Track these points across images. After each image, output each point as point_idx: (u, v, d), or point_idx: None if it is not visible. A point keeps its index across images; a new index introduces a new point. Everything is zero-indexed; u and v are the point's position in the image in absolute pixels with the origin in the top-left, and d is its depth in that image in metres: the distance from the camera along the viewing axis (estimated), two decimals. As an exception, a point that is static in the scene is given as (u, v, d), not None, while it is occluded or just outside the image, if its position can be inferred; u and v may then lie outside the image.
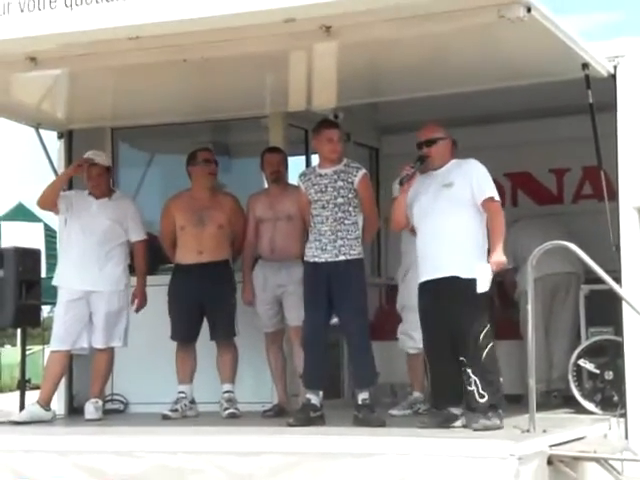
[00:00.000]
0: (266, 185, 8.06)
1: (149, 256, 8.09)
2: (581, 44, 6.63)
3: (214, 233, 7.89)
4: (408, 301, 7.25)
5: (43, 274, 9.72)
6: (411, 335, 7.36)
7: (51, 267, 9.90)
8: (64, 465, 6.21)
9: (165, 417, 7.64)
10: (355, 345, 6.92)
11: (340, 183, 6.96)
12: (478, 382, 6.27)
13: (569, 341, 8.23)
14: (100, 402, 7.87)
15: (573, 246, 6.29)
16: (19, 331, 11.75)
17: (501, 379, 6.39)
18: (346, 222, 6.93)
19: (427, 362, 6.65)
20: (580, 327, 7.89)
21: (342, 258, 6.87)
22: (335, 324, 6.97)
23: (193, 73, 6.98)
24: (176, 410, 7.75)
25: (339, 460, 5.71)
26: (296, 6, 5.81)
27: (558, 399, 8.13)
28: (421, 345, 6.76)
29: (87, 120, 8.54)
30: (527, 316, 6.27)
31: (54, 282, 8.01)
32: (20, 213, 15.03)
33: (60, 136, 8.82)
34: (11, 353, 24.37)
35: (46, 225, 13.93)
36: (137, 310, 8.00)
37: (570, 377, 7.58)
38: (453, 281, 6.38)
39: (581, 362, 7.56)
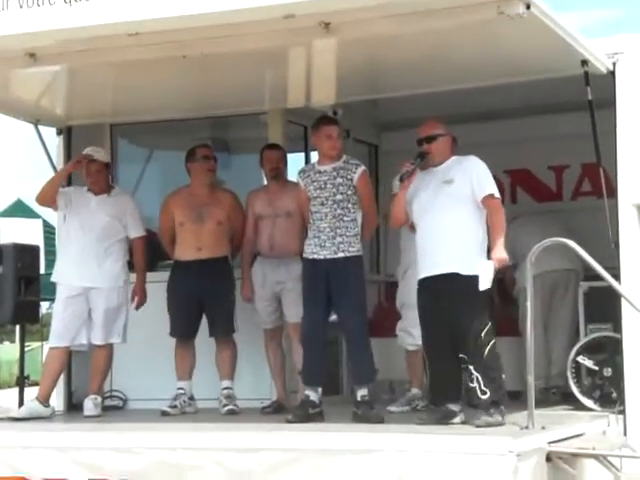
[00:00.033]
0: (265, 182, 8.06)
1: (148, 252, 8.09)
2: (580, 41, 6.63)
3: (213, 229, 7.89)
4: (407, 298, 7.25)
5: (42, 270, 9.71)
6: (410, 332, 7.37)
7: (50, 263, 9.89)
8: (63, 461, 6.21)
9: (164, 413, 7.64)
10: (354, 342, 6.92)
11: (339, 180, 6.96)
12: (480, 379, 6.27)
13: (568, 338, 8.23)
14: (99, 398, 7.87)
15: (572, 243, 6.30)
16: (18, 327, 11.76)
17: (503, 376, 6.40)
18: (345, 219, 6.93)
19: (426, 359, 6.65)
20: (579, 324, 7.89)
21: (341, 255, 6.87)
22: (334, 321, 6.98)
23: (192, 69, 6.98)
24: (175, 406, 7.75)
25: (338, 456, 5.72)
26: (295, 2, 5.82)
27: (557, 396, 8.13)
28: (420, 342, 6.76)
29: (86, 116, 8.53)
30: (526, 313, 6.27)
31: (53, 278, 8.00)
32: (19, 209, 15.04)
33: (59, 132, 8.82)
34: (10, 349, 24.39)
35: (45, 221, 13.93)
36: (137, 307, 8.00)
37: (569, 374, 7.58)
38: (453, 278, 6.38)
39: (580, 359, 7.57)
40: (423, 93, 7.63)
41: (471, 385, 6.30)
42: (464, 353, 6.37)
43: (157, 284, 7.97)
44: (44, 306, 11.11)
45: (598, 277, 6.30)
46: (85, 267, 7.80)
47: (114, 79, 7.41)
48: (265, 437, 6.12)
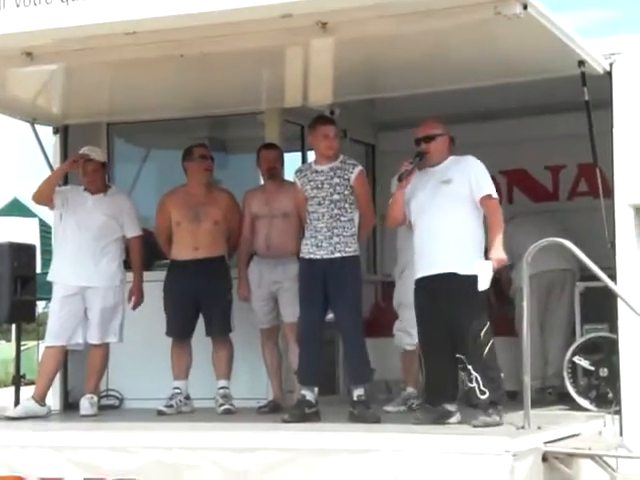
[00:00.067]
0: (262, 181, 8.06)
1: (144, 252, 8.09)
2: (577, 41, 6.63)
3: (210, 229, 7.88)
4: (405, 298, 7.24)
5: (38, 270, 9.70)
6: (409, 332, 7.34)
7: (46, 263, 9.87)
8: (59, 460, 6.22)
9: (160, 413, 7.64)
10: (350, 342, 6.92)
11: (336, 180, 6.96)
12: (479, 379, 6.28)
13: (564, 338, 8.23)
14: (95, 398, 7.87)
15: (568, 243, 6.30)
16: (14, 327, 11.72)
17: (502, 375, 6.40)
18: (342, 219, 6.93)
19: (422, 358, 6.65)
20: (575, 324, 7.91)
21: (338, 255, 6.87)
22: (331, 320, 6.98)
23: (189, 68, 6.97)
24: (171, 406, 7.74)
25: (334, 456, 5.72)
26: (292, 2, 5.82)
27: (553, 396, 8.13)
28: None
29: (83, 115, 8.53)
30: (522, 313, 6.27)
31: (49, 278, 8.00)
32: (15, 208, 15.02)
33: (56, 131, 8.81)
34: (6, 349, 24.33)
35: (41, 220, 13.90)
36: (134, 307, 8.00)
37: (565, 374, 7.59)
38: (451, 278, 6.38)
39: (576, 359, 7.57)
40: (420, 93, 7.64)
41: (470, 385, 6.31)
42: (462, 353, 6.37)
43: (154, 283, 7.97)
44: (40, 305, 11.06)
45: (594, 277, 6.30)
46: (81, 266, 7.80)
47: (111, 78, 7.41)
48: (261, 437, 6.12)
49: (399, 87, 7.71)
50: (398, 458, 5.58)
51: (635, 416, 6.90)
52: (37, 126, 8.65)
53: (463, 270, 6.35)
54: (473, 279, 6.29)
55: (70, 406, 8.40)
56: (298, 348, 7.07)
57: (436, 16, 5.84)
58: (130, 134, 9.42)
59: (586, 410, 7.33)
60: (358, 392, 6.77)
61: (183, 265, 7.87)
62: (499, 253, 6.37)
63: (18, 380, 9.38)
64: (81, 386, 8.06)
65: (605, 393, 7.33)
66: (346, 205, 6.95)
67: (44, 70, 6.97)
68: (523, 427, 6.03)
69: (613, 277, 6.69)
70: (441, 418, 6.41)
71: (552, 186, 9.55)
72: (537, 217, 8.75)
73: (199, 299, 7.82)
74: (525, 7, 5.75)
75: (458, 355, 6.40)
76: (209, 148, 8.15)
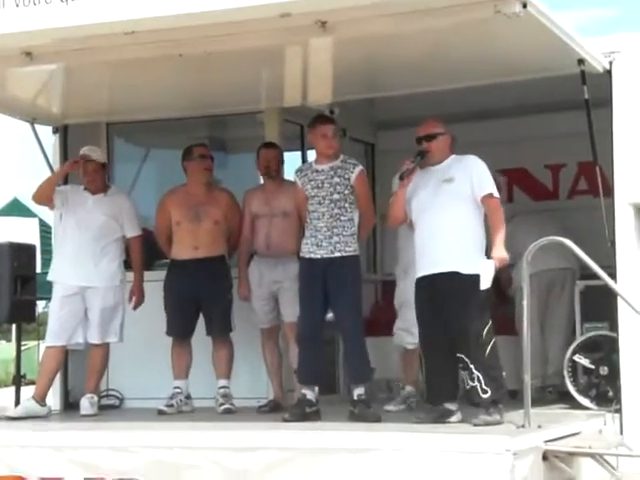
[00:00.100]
0: (262, 181, 8.06)
1: (144, 252, 8.09)
2: (577, 40, 6.63)
3: (210, 229, 7.88)
4: (407, 297, 7.22)
5: (38, 269, 9.71)
6: (411, 331, 7.31)
7: (46, 262, 9.88)
8: (60, 460, 6.21)
9: (161, 412, 7.64)
10: (350, 341, 6.92)
11: (336, 179, 6.95)
12: (481, 378, 6.27)
13: (564, 337, 8.23)
14: (95, 397, 7.87)
15: (568, 242, 6.30)
16: (14, 327, 11.72)
17: (504, 374, 6.40)
18: (342, 218, 6.92)
19: (422, 357, 6.65)
20: (575, 323, 7.90)
21: (338, 254, 6.87)
22: (331, 319, 6.97)
23: (189, 68, 6.97)
24: (172, 405, 7.74)
25: (335, 455, 5.72)
26: (291, 1, 5.82)
27: (553, 395, 8.13)
28: (418, 340, 6.77)
29: (82, 115, 8.53)
30: (522, 312, 6.27)
31: (49, 277, 8.00)
32: (15, 208, 15.01)
33: (55, 131, 8.81)
34: (6, 349, 24.32)
35: (41, 220, 13.90)
36: (135, 307, 8.00)
37: (565, 373, 7.58)
38: (453, 277, 6.38)
39: (576, 358, 7.57)
40: (420, 92, 7.63)
41: (472, 384, 6.30)
42: (464, 352, 6.36)
43: (154, 283, 7.97)
44: (40, 305, 11.07)
45: (594, 276, 6.30)
46: (81, 266, 7.80)
47: (110, 78, 7.41)
48: (262, 436, 6.12)
49: (399, 86, 7.70)
50: (399, 457, 5.58)
51: (635, 414, 6.90)
52: (37, 126, 8.64)
53: (465, 269, 6.35)
54: (475, 278, 6.29)
55: (70, 406, 8.40)
56: (298, 347, 7.07)
57: (435, 15, 5.84)
58: (130, 134, 9.42)
59: (586, 409, 7.32)
60: (358, 391, 6.77)
61: (183, 265, 7.87)
62: (501, 252, 6.36)
63: (18, 380, 9.38)
64: (81, 386, 8.06)
65: (605, 392, 7.32)
66: (346, 204, 6.95)
67: (44, 70, 6.97)
68: (523, 426, 6.03)
69: (613, 276, 6.69)
70: (442, 417, 6.41)
71: (552, 185, 9.55)
72: (537, 216, 8.74)
73: (199, 299, 7.82)
74: (525, 6, 5.75)
75: (459, 355, 6.39)
76: (209, 148, 8.15)
